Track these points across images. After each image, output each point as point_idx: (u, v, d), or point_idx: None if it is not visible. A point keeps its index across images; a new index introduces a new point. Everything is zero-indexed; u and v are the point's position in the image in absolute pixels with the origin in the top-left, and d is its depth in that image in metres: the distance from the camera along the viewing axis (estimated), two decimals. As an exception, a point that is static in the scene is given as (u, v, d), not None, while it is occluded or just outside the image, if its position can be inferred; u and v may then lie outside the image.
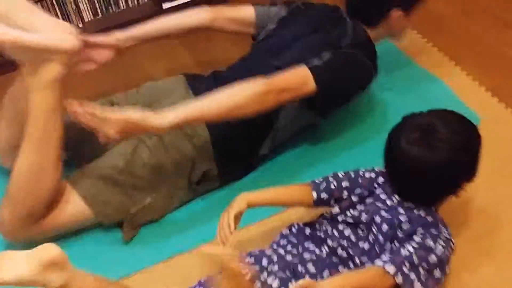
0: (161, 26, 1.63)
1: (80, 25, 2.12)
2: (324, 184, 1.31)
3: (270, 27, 1.66)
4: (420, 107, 1.72)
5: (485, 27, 2.08)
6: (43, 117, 1.30)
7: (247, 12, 1.67)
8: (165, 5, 2.19)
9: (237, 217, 1.23)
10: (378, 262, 1.14)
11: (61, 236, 1.43)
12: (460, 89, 1.84)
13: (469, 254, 1.37)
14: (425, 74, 1.90)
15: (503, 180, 1.56)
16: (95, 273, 1.12)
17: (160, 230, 1.48)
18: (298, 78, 1.39)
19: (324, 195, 1.30)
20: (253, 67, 1.52)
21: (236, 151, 1.53)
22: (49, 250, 1.07)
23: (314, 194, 1.30)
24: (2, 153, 1.51)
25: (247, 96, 1.31)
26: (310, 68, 1.40)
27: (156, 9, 2.18)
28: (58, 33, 1.29)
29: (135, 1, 2.19)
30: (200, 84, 1.55)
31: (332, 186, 1.30)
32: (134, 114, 1.24)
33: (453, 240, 1.21)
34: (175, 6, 2.20)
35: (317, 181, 1.33)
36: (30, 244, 1.16)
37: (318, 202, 1.31)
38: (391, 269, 1.10)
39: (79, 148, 1.50)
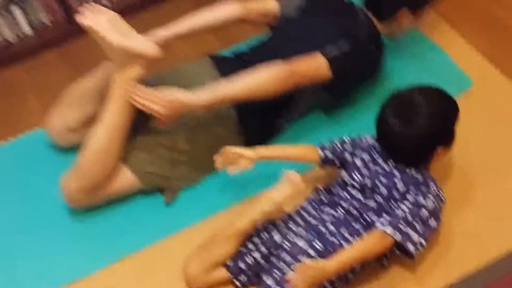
0: (198, 22, 1.78)
1: (107, 3, 2.29)
2: (328, 144, 1.53)
3: (291, 15, 1.82)
4: (417, 71, 1.95)
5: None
6: (119, 107, 1.57)
7: (271, 5, 1.83)
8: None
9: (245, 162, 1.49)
10: (378, 225, 1.37)
11: (113, 201, 1.68)
12: (458, 55, 1.97)
13: (458, 203, 1.59)
14: (423, 39, 2.04)
15: (491, 141, 1.74)
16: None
17: (197, 193, 1.71)
18: (316, 66, 1.59)
19: (329, 154, 1.52)
20: (274, 52, 1.70)
21: (259, 127, 1.73)
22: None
23: (320, 152, 1.52)
24: (59, 134, 1.76)
25: (270, 80, 1.52)
26: (328, 58, 1.59)
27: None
28: (146, 42, 1.58)
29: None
30: (225, 67, 1.72)
31: (337, 148, 1.52)
32: (179, 94, 1.50)
33: (442, 193, 1.44)
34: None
35: (323, 142, 1.55)
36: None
37: (325, 161, 1.53)
38: (388, 229, 1.34)
39: None
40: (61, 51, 2.24)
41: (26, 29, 2.21)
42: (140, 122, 1.64)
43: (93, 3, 1.63)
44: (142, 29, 1.66)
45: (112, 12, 1.61)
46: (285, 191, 1.43)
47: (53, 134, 1.78)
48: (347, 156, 1.52)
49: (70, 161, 1.63)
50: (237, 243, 1.44)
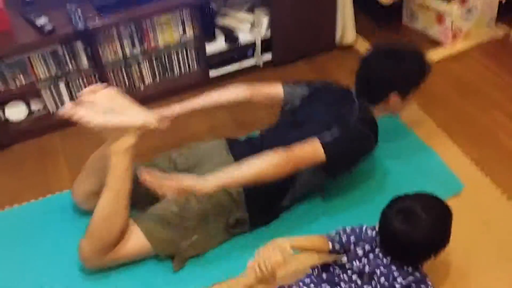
0: (211, 101, 2.06)
1: (142, 87, 2.58)
2: (337, 238, 1.64)
3: (296, 103, 2.06)
4: (413, 174, 2.10)
5: (476, 105, 2.42)
6: (120, 174, 1.75)
7: (277, 90, 2.08)
8: (211, 73, 2.62)
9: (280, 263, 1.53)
10: None
11: (125, 264, 1.83)
12: (450, 159, 2.15)
13: None
14: (419, 144, 2.24)
15: (479, 240, 1.87)
16: None
17: (202, 263, 1.86)
18: (313, 151, 1.78)
19: (337, 246, 1.63)
20: (280, 136, 1.94)
21: (263, 203, 1.91)
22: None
23: (330, 245, 1.63)
24: (82, 199, 1.95)
25: (272, 166, 1.70)
26: (322, 143, 1.79)
27: (203, 76, 2.61)
28: (136, 115, 1.75)
29: (187, 69, 2.63)
30: (237, 149, 1.96)
31: (343, 240, 1.64)
32: (186, 181, 1.65)
33: None
34: (220, 75, 2.62)
35: (331, 234, 1.66)
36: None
37: (333, 251, 1.65)
38: None
39: (141, 195, 1.88)
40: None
41: (67, 102, 2.48)
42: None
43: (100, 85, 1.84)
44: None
45: (108, 89, 1.81)
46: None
47: (76, 199, 1.98)
48: (352, 246, 1.65)
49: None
50: None
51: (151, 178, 1.66)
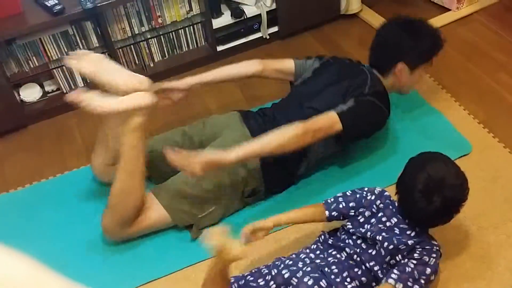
0: (222, 74, 2.09)
1: (152, 64, 2.62)
2: (334, 204, 1.67)
3: (306, 75, 2.09)
4: (423, 137, 2.14)
5: (482, 68, 2.45)
6: (131, 152, 1.79)
7: (288, 64, 2.12)
8: (219, 48, 2.65)
9: (263, 232, 1.60)
10: (390, 280, 1.51)
11: (144, 235, 1.90)
12: (457, 121, 2.19)
13: (454, 252, 1.76)
14: (428, 107, 2.29)
15: (490, 198, 1.92)
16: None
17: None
18: (329, 121, 1.82)
19: (334, 213, 1.67)
20: (292, 108, 1.98)
21: (279, 172, 1.95)
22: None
23: (327, 213, 1.66)
24: (99, 171, 2.02)
25: (291, 138, 1.75)
26: (338, 113, 1.83)
27: (211, 51, 2.65)
28: (137, 94, 1.76)
29: (195, 45, 2.67)
30: (251, 120, 1.99)
31: (341, 206, 1.66)
32: (212, 156, 1.70)
33: (440, 250, 1.58)
34: (227, 48, 2.66)
35: (328, 200, 1.68)
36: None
37: (330, 219, 1.68)
38: (400, 286, 1.50)
39: (158, 168, 1.96)
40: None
41: (79, 82, 2.54)
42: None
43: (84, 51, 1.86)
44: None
45: (96, 54, 1.85)
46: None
47: (95, 171, 2.04)
48: (351, 212, 1.68)
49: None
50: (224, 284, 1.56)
51: (177, 157, 1.70)
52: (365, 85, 1.95)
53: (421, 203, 1.52)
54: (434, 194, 1.51)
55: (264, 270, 1.62)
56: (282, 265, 1.59)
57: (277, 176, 1.97)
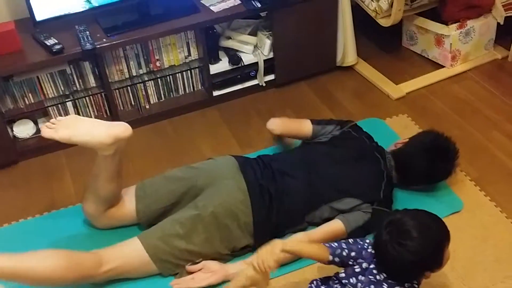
0: None
1: (147, 106, 2.64)
2: (338, 250, 1.66)
3: (323, 139, 2.11)
4: (414, 192, 2.12)
5: (475, 125, 2.46)
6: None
7: (306, 127, 2.16)
8: (215, 93, 2.66)
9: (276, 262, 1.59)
10: None
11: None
12: (449, 179, 2.14)
13: None
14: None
15: (478, 257, 1.89)
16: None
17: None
18: (338, 233, 1.85)
19: (337, 259, 1.65)
20: (296, 172, 1.95)
21: (270, 232, 1.88)
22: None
23: (330, 257, 1.65)
24: (94, 218, 1.99)
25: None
26: (347, 231, 1.85)
27: (207, 96, 2.66)
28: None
29: (191, 89, 2.69)
30: (248, 168, 1.96)
31: (344, 254, 1.65)
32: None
33: None
34: (223, 94, 2.68)
35: (333, 245, 1.67)
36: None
37: (330, 263, 1.67)
38: None
39: (148, 212, 1.96)
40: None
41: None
42: (166, 210, 1.91)
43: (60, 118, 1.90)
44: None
45: (68, 117, 1.90)
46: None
47: (89, 218, 2.01)
48: (350, 261, 1.67)
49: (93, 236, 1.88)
50: None
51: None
52: (380, 189, 1.94)
53: (384, 249, 1.56)
54: (395, 242, 1.53)
55: None
56: None
57: (268, 234, 1.87)
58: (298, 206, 1.92)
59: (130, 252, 1.82)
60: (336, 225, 1.87)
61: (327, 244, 1.67)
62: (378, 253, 1.61)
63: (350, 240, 1.70)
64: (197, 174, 1.97)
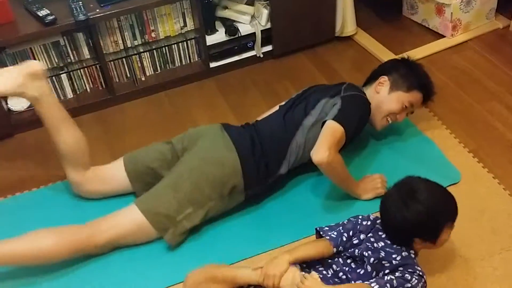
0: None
1: (143, 78, 2.61)
2: (338, 240, 1.66)
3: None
4: (412, 163, 2.13)
5: (474, 96, 2.44)
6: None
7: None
8: (212, 64, 2.63)
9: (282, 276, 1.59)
10: (367, 282, 1.54)
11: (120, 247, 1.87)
12: (448, 150, 2.17)
13: (439, 278, 1.74)
14: (418, 134, 2.26)
15: (476, 229, 1.89)
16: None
17: (199, 245, 1.90)
18: (330, 130, 1.87)
19: (340, 248, 1.67)
20: (273, 116, 2.07)
21: (259, 169, 1.92)
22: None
23: (334, 249, 1.66)
24: (79, 183, 2.02)
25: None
26: (333, 119, 1.89)
27: (204, 67, 2.63)
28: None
29: (188, 60, 2.66)
30: (231, 127, 2.02)
31: (344, 238, 1.67)
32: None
33: (424, 277, 1.58)
34: (220, 65, 2.65)
35: (332, 235, 1.67)
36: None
37: (337, 253, 1.68)
38: (375, 286, 1.51)
39: (142, 180, 2.00)
40: (96, 115, 2.51)
41: (69, 93, 2.51)
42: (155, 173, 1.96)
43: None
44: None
45: None
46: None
47: (76, 188, 2.04)
48: (350, 241, 1.68)
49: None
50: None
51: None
52: (341, 85, 2.06)
53: (393, 209, 1.59)
54: (407, 201, 1.57)
55: None
56: None
57: (257, 173, 1.93)
58: (278, 133, 1.98)
59: (124, 216, 1.84)
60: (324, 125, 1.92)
61: (327, 237, 1.68)
62: (383, 207, 1.65)
63: (345, 223, 1.71)
64: (183, 137, 2.03)
